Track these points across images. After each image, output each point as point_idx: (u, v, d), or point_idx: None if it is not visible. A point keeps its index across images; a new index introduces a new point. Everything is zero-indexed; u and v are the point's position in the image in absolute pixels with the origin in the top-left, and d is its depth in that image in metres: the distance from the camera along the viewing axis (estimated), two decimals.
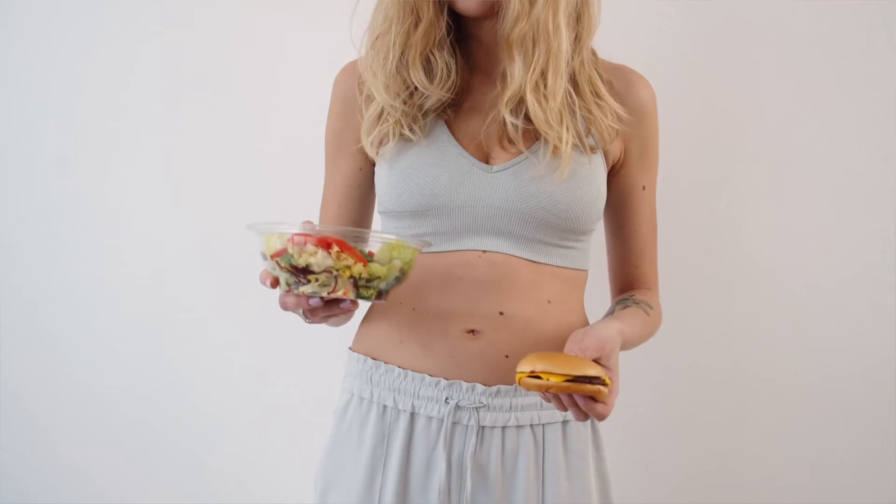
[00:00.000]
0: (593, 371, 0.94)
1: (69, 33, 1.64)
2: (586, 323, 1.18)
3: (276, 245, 0.94)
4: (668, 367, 1.55)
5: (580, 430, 1.14)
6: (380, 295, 0.97)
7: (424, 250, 1.01)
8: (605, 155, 1.15)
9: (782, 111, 1.50)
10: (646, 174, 1.20)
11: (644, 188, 1.20)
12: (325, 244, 0.92)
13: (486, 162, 1.11)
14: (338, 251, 0.92)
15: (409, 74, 1.09)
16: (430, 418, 1.11)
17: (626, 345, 1.08)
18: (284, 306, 0.98)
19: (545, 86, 1.06)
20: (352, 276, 0.94)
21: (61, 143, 1.67)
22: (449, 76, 1.10)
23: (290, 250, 0.93)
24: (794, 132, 1.50)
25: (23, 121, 1.68)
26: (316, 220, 1.25)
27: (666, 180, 1.44)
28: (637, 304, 1.18)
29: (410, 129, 1.11)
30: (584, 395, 0.95)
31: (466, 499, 1.09)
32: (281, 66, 1.60)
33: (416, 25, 1.08)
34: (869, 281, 1.50)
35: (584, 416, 0.97)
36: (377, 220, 1.24)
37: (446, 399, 1.09)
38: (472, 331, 1.09)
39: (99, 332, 1.68)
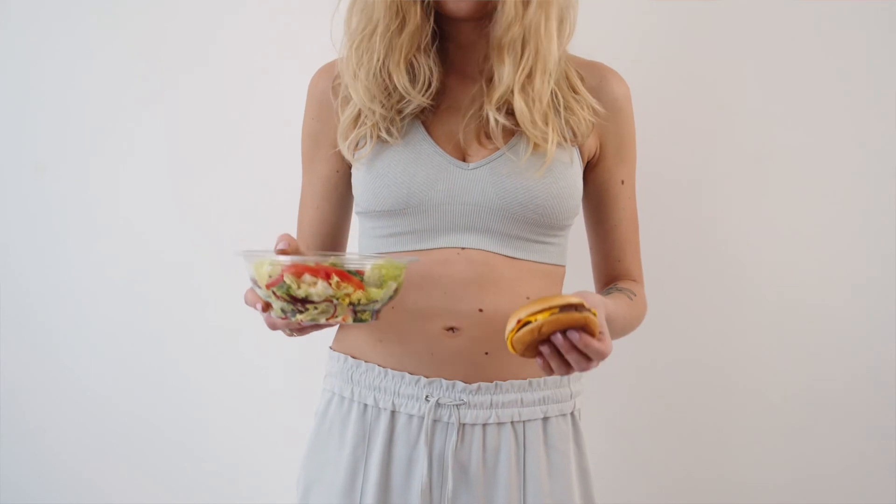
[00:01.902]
0: (575, 299, 0.93)
1: (53, 36, 1.65)
2: None
3: (269, 274, 0.94)
4: (651, 367, 1.55)
5: (561, 426, 1.14)
6: (374, 314, 0.99)
7: (410, 261, 1.01)
8: (581, 150, 1.16)
9: (767, 110, 1.51)
10: (624, 168, 1.21)
11: (623, 182, 1.21)
12: (326, 275, 0.92)
13: (463, 159, 1.12)
14: (338, 281, 0.93)
15: (391, 78, 1.09)
16: (410, 416, 1.10)
17: (612, 320, 1.07)
18: (273, 326, 0.99)
19: (532, 87, 1.08)
20: (351, 303, 0.94)
21: (57, 142, 1.67)
22: (431, 82, 1.10)
23: (287, 281, 0.93)
24: (779, 131, 1.51)
25: (12, 122, 1.69)
26: (295, 223, 1.25)
27: (653, 179, 1.44)
28: (620, 290, 1.18)
29: (388, 132, 1.11)
30: (578, 331, 0.93)
31: (448, 497, 1.09)
32: (267, 64, 1.60)
33: (402, 28, 1.07)
34: (856, 280, 1.51)
35: (586, 360, 0.95)
36: (355, 221, 1.24)
37: (426, 397, 1.09)
38: (451, 328, 1.09)
39: (93, 331, 1.69)
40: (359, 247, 1.21)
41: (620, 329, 1.14)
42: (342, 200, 1.22)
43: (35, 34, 1.65)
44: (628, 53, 1.45)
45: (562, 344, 0.93)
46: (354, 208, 1.20)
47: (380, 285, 0.96)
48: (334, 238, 1.24)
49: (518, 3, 1.05)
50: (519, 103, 1.07)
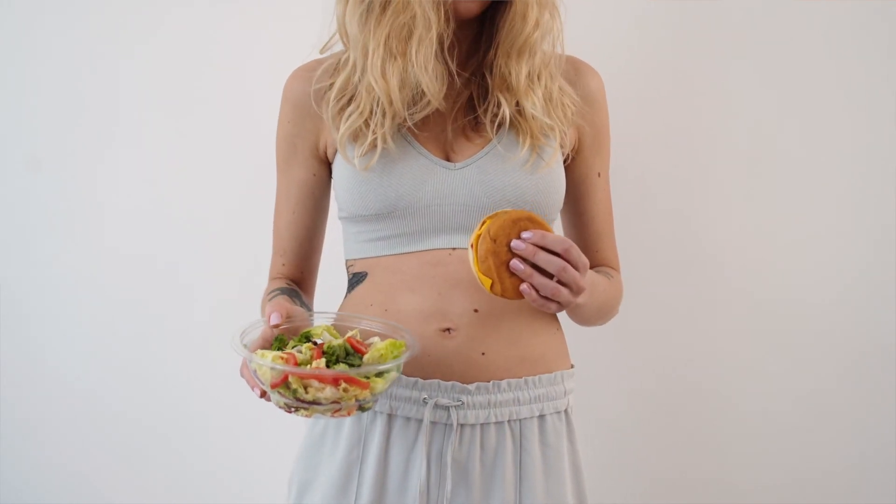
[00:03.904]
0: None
1: (44, 33, 1.63)
2: (555, 316, 1.19)
3: (273, 373, 0.93)
4: (643, 366, 1.56)
5: (556, 424, 1.15)
6: (376, 402, 1.01)
7: (409, 354, 1.01)
8: (561, 143, 1.16)
9: (761, 111, 1.51)
10: (600, 160, 1.23)
11: (599, 174, 1.23)
12: (334, 381, 0.92)
13: (448, 160, 1.12)
14: (345, 387, 0.93)
15: (424, 82, 1.07)
16: (407, 419, 1.10)
17: (593, 287, 1.08)
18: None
19: (542, 84, 1.11)
20: (357, 400, 0.94)
21: (47, 141, 1.66)
22: (444, 85, 1.10)
23: (294, 385, 0.92)
24: (773, 133, 1.51)
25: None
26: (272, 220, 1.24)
27: (647, 181, 1.46)
28: (598, 271, 1.20)
29: (393, 139, 1.10)
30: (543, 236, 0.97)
31: (447, 497, 1.08)
32: (258, 64, 1.58)
33: (429, 31, 1.06)
34: (852, 281, 1.51)
35: (560, 260, 0.97)
36: (332, 224, 1.23)
37: (424, 399, 1.09)
38: (446, 329, 1.09)
39: (88, 331, 1.69)
40: (344, 252, 1.20)
41: (602, 292, 1.14)
42: (318, 205, 1.22)
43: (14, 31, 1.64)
44: (623, 53, 1.46)
45: (523, 248, 0.97)
46: (338, 213, 1.19)
47: (382, 374, 0.96)
48: (311, 241, 1.24)
49: (532, 5, 1.07)
50: (530, 100, 1.09)
